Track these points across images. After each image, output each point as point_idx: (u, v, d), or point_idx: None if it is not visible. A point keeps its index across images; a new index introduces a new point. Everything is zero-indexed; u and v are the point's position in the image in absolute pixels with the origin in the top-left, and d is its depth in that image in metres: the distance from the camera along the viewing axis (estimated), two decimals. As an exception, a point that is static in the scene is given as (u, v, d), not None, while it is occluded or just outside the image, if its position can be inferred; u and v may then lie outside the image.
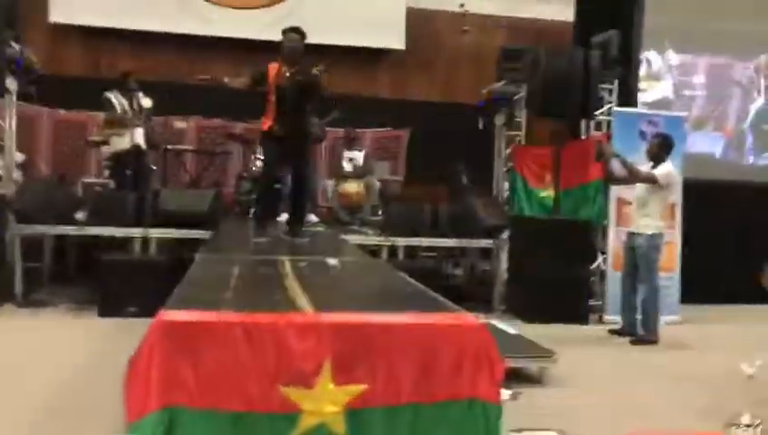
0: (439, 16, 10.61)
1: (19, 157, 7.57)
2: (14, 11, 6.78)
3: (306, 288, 3.29)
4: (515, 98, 8.70)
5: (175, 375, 2.50)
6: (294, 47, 5.47)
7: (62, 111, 9.23)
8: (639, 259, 6.26)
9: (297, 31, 5.54)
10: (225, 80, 5.75)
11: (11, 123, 7.04)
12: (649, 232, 6.21)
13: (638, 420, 3.65)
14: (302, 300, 3.03)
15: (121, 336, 4.97)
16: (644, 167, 6.27)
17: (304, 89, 5.44)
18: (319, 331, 2.63)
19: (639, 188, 6.30)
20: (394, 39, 10.18)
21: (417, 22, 10.32)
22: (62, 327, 5.89)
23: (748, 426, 1.75)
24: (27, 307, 6.42)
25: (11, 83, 6.79)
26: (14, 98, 7.07)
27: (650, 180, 6.18)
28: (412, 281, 3.95)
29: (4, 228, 6.42)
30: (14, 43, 6.66)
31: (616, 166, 6.41)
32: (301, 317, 2.69)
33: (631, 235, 6.41)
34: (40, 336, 5.49)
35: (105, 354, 4.79)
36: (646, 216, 6.25)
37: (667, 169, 6.24)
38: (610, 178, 6.67)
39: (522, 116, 8.73)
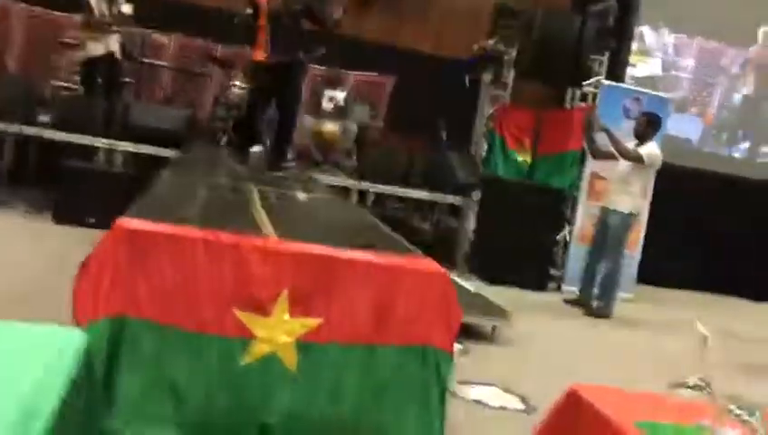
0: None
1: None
2: None
3: (272, 218, 3.21)
4: (505, 58, 8.58)
5: (128, 284, 2.42)
6: None
7: (36, 9, 8.84)
8: (610, 236, 6.27)
9: None
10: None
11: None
12: (626, 211, 6.21)
13: (582, 382, 3.70)
14: (268, 228, 2.96)
15: (75, 243, 4.86)
16: (630, 144, 6.24)
17: (304, 17, 5.25)
18: (280, 258, 2.56)
19: (623, 164, 6.24)
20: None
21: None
22: (15, 228, 5.73)
23: (694, 387, 1.74)
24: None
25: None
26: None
27: (637, 159, 6.13)
28: (379, 223, 3.90)
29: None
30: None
31: (602, 139, 6.36)
32: (264, 242, 2.62)
33: (606, 210, 6.40)
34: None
35: (58, 258, 4.66)
36: (626, 193, 6.23)
37: (654, 150, 6.21)
38: (595, 152, 6.60)
39: (509, 76, 8.62)
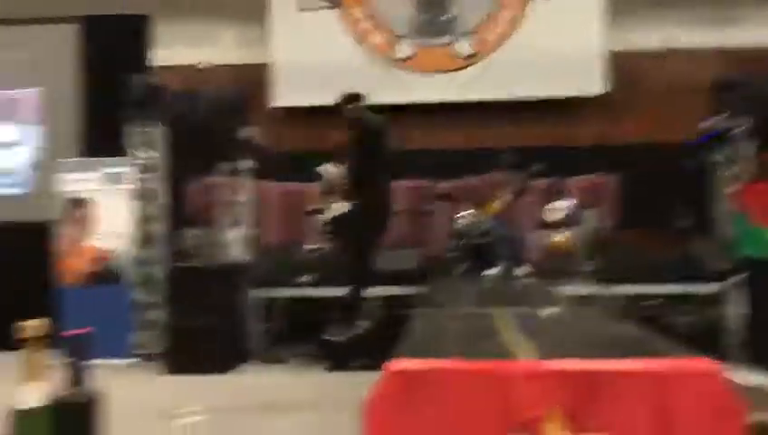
0: (640, 55, 10.24)
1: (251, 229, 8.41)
2: (245, 99, 7.66)
3: (526, 338, 3.28)
4: (735, 131, 8.07)
5: (404, 423, 2.59)
6: None
7: (283, 185, 10.08)
8: None
9: None
10: None
11: (246, 199, 7.87)
12: None
13: None
14: (524, 349, 3.02)
15: (348, 388, 5.28)
16: None
17: None
18: (546, 378, 2.60)
19: None
20: (594, 84, 9.97)
21: (616, 63, 10.05)
22: (296, 381, 6.35)
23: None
24: (265, 363, 7.00)
25: (245, 164, 7.63)
26: (248, 176, 7.91)
27: None
28: (637, 327, 3.77)
29: (244, 293, 7.12)
30: (245, 127, 7.50)
31: None
32: (526, 365, 2.69)
33: None
34: (279, 388, 5.96)
35: (338, 404, 5.09)
36: None
37: None
38: None
39: (746, 150, 8.05)
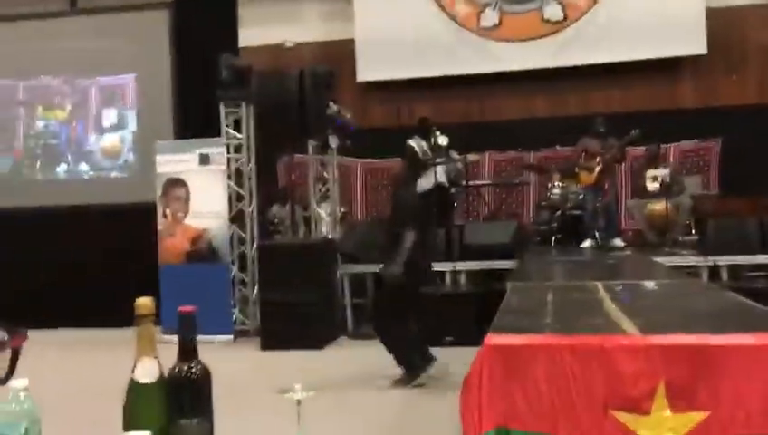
0: (744, 11, 9.63)
1: (339, 205, 8.50)
2: (331, 76, 7.69)
3: (627, 311, 3.16)
4: None
5: (506, 398, 2.55)
6: None
7: (370, 161, 10.14)
8: None
9: None
10: None
11: (334, 175, 7.94)
12: None
13: None
14: (626, 323, 2.92)
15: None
16: None
17: None
18: (650, 353, 2.50)
19: None
20: (693, 44, 9.45)
21: (718, 21, 9.49)
22: (385, 356, 6.37)
23: None
24: (357, 339, 7.08)
25: (332, 140, 7.69)
26: (335, 153, 7.98)
27: None
28: (747, 300, 3.57)
29: (334, 269, 7.22)
30: (332, 104, 7.54)
31: None
32: (628, 339, 2.59)
33: None
34: (374, 364, 6.00)
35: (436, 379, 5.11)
36: None
37: None
38: None
39: None
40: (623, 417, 2.48)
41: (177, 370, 1.24)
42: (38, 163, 9.70)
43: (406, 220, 5.05)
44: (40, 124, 9.68)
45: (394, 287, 5.05)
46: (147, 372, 1.24)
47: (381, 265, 5.40)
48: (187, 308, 1.26)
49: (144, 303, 1.26)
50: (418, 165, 5.51)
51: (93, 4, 9.59)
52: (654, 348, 2.50)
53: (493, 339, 2.63)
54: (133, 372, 1.24)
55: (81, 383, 5.59)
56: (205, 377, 1.25)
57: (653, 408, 2.46)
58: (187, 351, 1.26)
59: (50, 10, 9.54)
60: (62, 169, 9.63)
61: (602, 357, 2.52)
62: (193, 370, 1.24)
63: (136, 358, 1.25)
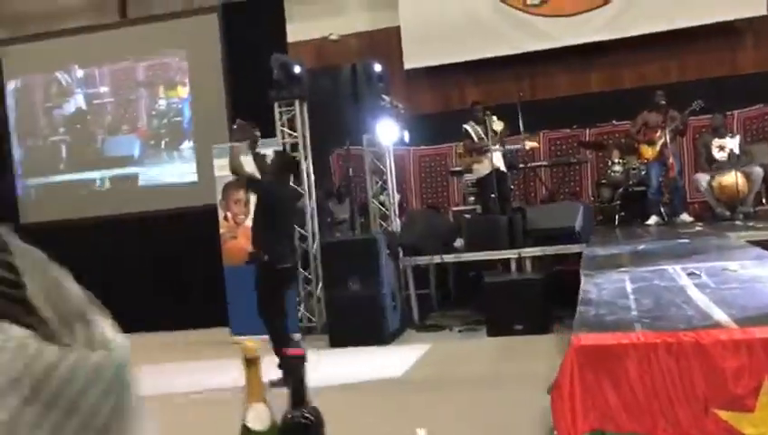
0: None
1: (396, 196, 8.45)
2: (382, 69, 7.63)
3: (716, 300, 3.03)
4: None
5: (599, 400, 2.48)
6: None
7: (423, 148, 10.05)
8: None
9: None
10: None
11: (391, 168, 7.89)
12: None
13: None
14: (718, 314, 2.80)
15: (511, 354, 5.17)
16: None
17: None
18: (752, 347, 2.39)
19: None
20: (753, 5, 9.05)
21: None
22: (458, 348, 6.31)
23: None
24: (424, 331, 7.04)
25: (387, 133, 7.64)
26: (391, 144, 7.92)
27: None
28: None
29: (396, 262, 7.18)
30: (384, 96, 7.49)
31: None
32: (727, 333, 2.48)
33: None
34: (446, 359, 5.94)
35: (505, 370, 4.98)
36: None
37: None
38: None
39: None
40: (725, 415, 2.38)
41: (290, 416, 1.22)
42: (162, 143, 9.54)
43: None
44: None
45: None
46: (259, 419, 1.21)
47: None
48: (297, 351, 1.23)
49: (251, 347, 1.23)
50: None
51: (147, 12, 9.75)
52: (756, 342, 2.39)
53: (581, 339, 2.55)
54: (244, 418, 1.22)
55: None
56: (318, 423, 1.23)
57: (758, 405, 2.36)
58: (299, 395, 1.23)
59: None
60: (186, 145, 9.45)
61: (700, 354, 2.42)
62: (306, 416, 1.21)
63: (246, 403, 1.23)
